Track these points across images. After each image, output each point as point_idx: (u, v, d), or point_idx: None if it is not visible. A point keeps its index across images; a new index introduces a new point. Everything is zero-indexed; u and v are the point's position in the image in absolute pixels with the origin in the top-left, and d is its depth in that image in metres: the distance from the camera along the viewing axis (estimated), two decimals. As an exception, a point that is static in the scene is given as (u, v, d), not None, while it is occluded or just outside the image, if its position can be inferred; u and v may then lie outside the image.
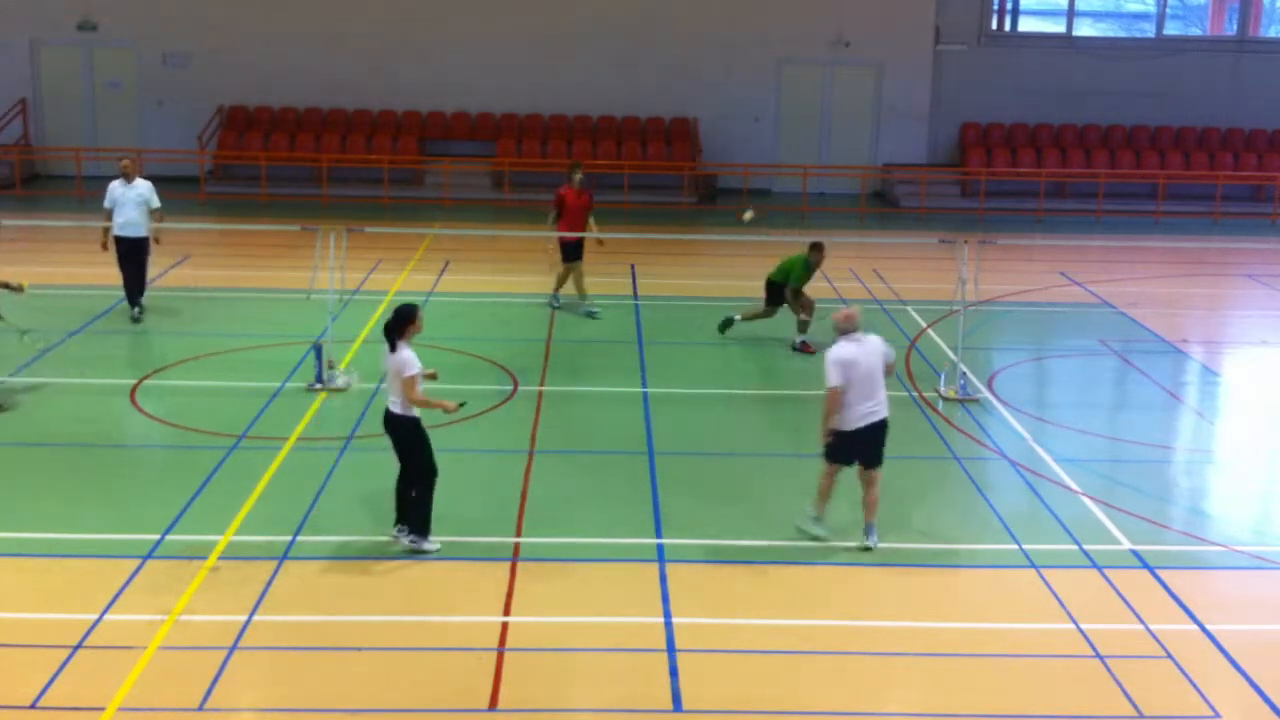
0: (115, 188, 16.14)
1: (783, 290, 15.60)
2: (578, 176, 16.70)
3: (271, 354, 14.67)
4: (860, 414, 9.71)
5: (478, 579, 9.25)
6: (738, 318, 16.09)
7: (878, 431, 9.82)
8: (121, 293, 16.86)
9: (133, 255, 16.13)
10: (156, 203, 16.24)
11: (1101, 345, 16.19)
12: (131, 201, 16.04)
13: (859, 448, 9.83)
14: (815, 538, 10.00)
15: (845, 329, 9.82)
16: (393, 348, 9.44)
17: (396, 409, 9.50)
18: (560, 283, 17.23)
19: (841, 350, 9.69)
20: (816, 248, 15.37)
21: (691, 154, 27.22)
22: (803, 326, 15.62)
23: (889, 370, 9.92)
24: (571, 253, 16.87)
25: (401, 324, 9.46)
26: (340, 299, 14.23)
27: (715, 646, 8.41)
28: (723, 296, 18.25)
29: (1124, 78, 28.03)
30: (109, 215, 16.12)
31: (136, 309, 16.24)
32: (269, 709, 7.65)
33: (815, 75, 28.10)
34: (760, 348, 15.85)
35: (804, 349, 15.45)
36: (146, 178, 16.62)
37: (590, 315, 16.91)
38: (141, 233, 16.09)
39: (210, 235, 22.72)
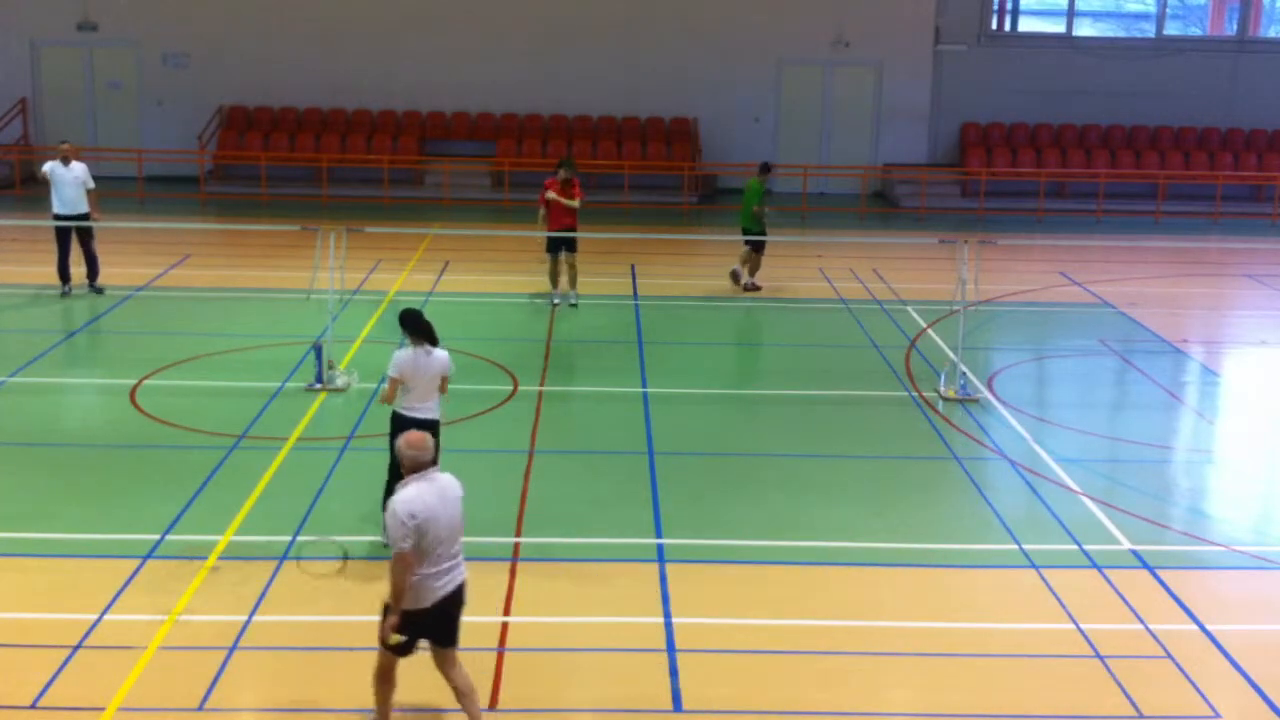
0: (55, 168, 17.11)
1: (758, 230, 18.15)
2: (561, 173, 16.97)
3: (271, 354, 14.67)
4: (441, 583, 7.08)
5: (478, 579, 9.17)
6: (742, 273, 18.38)
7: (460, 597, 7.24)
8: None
9: (77, 234, 17.15)
10: (91, 184, 17.26)
11: (1101, 345, 16.19)
12: (69, 183, 17.07)
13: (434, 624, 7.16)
14: None
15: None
16: (434, 343, 9.37)
17: (434, 414, 9.40)
18: (554, 279, 17.39)
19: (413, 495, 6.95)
20: (765, 169, 18.38)
21: (691, 154, 27.21)
22: (755, 264, 18.37)
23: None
24: (553, 244, 17.13)
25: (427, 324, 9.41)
26: (340, 299, 14.22)
27: (715, 646, 8.41)
28: (723, 296, 18.28)
29: (1124, 78, 28.02)
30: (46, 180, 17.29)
31: (67, 287, 17.17)
32: (269, 709, 7.65)
33: (815, 75, 28.09)
34: (760, 348, 15.86)
35: (754, 288, 18.29)
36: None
37: (570, 306, 17.27)
38: (82, 209, 17.08)
39: (210, 235, 22.73)
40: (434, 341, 9.40)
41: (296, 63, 27.35)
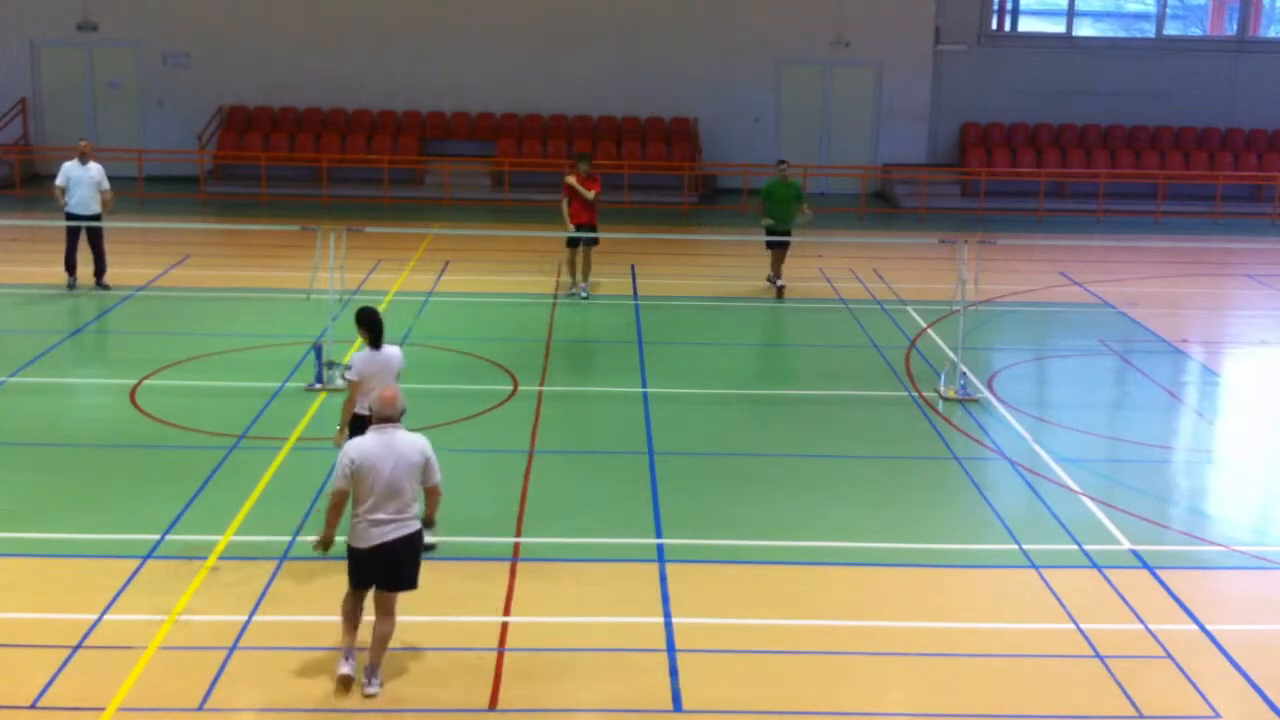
0: (70, 168, 17.24)
1: (785, 232, 18.08)
2: (582, 167, 17.48)
3: (271, 354, 14.67)
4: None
5: (478, 579, 9.25)
6: (775, 280, 18.27)
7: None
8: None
9: (88, 232, 17.28)
10: (107, 185, 17.49)
11: (1101, 345, 16.19)
12: (85, 182, 17.21)
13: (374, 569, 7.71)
14: None
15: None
16: (379, 345, 9.45)
17: None
18: (572, 270, 17.80)
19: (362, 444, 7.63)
20: (781, 163, 18.75)
21: (691, 154, 27.21)
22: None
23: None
24: (573, 238, 17.52)
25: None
26: (340, 299, 14.22)
27: (715, 646, 8.41)
28: (723, 296, 18.28)
29: (1124, 78, 28.02)
30: (61, 191, 17.26)
31: (73, 279, 17.32)
32: (269, 709, 7.64)
33: (815, 75, 28.09)
34: (760, 348, 15.85)
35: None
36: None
37: (582, 297, 17.67)
38: (94, 209, 17.23)
39: (210, 235, 22.72)
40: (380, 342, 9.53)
41: (296, 63, 27.34)
